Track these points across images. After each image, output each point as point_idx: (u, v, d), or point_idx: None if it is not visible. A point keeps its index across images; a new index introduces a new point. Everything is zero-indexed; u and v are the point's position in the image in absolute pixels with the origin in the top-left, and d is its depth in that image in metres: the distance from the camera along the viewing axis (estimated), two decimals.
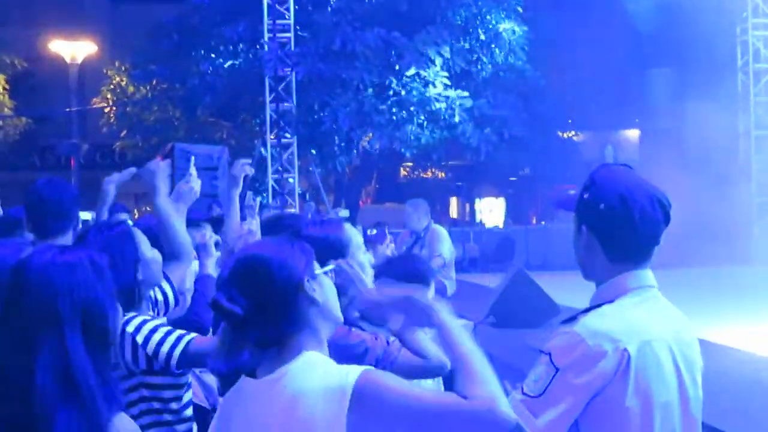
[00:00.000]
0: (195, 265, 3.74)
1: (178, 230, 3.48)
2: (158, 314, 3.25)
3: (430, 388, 3.22)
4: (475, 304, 7.67)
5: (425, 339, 2.62)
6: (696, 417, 2.23)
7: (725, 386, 4.31)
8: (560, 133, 20.19)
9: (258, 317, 1.90)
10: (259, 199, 3.54)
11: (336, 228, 2.95)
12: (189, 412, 2.96)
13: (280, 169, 15.40)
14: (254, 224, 3.29)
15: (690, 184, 14.80)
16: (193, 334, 2.85)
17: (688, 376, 2.21)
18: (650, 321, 2.18)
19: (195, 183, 3.99)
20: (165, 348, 2.75)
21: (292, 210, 14.90)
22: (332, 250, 2.84)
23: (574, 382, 2.07)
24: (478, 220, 28.15)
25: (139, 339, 2.75)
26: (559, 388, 2.08)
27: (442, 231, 8.52)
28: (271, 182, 15.15)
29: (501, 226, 20.42)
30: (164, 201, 3.52)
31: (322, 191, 15.52)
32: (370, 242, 6.87)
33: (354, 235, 2.96)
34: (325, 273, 2.06)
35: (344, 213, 11.46)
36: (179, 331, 2.83)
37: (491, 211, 23.71)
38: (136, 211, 27.75)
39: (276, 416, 1.86)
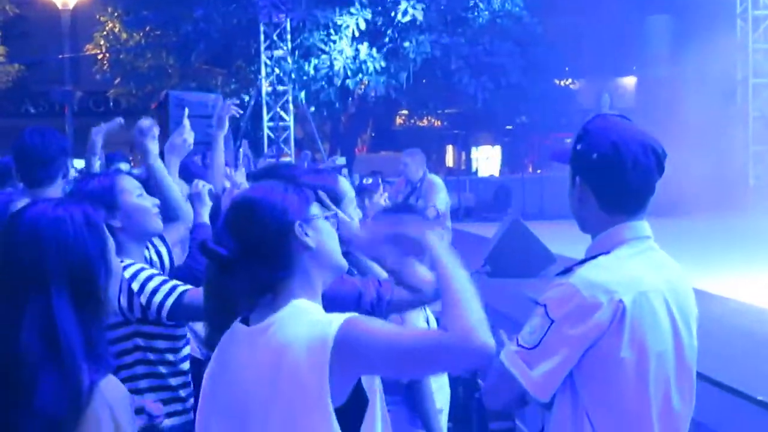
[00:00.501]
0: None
1: (172, 190, 3.51)
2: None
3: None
4: (471, 254, 7.67)
5: (421, 269, 2.63)
6: (690, 365, 2.24)
7: (719, 336, 4.34)
8: (557, 81, 20.06)
9: (246, 261, 1.90)
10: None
11: (331, 178, 2.94)
12: (186, 365, 2.97)
13: (275, 117, 15.30)
14: (240, 175, 3.28)
15: (686, 132, 14.75)
16: (188, 286, 2.83)
17: (683, 326, 2.21)
18: (645, 272, 2.18)
19: (188, 135, 3.97)
20: (158, 297, 2.76)
21: (288, 159, 14.85)
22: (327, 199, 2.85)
23: (569, 334, 2.08)
24: (474, 169, 28.13)
25: (135, 287, 2.76)
26: (555, 340, 2.08)
27: (438, 181, 8.51)
28: (266, 130, 15.06)
29: (497, 175, 20.38)
30: (156, 162, 3.52)
31: (317, 139, 15.46)
32: (365, 191, 6.84)
33: (348, 189, 2.95)
34: (326, 218, 2.04)
35: (341, 161, 11.41)
36: (174, 282, 2.83)
37: (487, 159, 23.66)
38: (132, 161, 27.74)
39: (264, 366, 1.86)
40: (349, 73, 15.08)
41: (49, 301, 1.78)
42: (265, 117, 15.14)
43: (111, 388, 1.82)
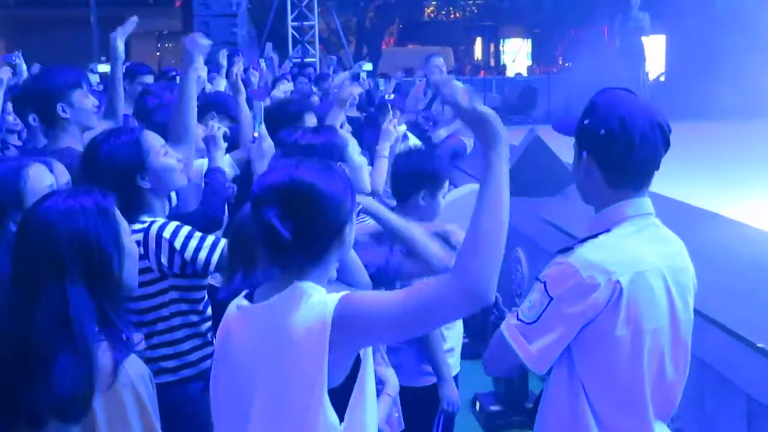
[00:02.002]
0: (203, 162, 3.78)
1: (190, 113, 3.53)
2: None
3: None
4: None
5: (434, 245, 2.70)
6: (686, 339, 2.32)
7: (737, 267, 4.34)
8: None
9: (295, 246, 1.90)
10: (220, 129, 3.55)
11: (331, 134, 2.99)
12: (209, 311, 3.07)
13: (299, 16, 15.07)
14: (263, 129, 3.29)
15: (716, 27, 14.35)
16: (224, 240, 2.90)
17: (679, 301, 2.27)
18: (645, 250, 2.23)
19: (201, 70, 3.98)
20: (203, 254, 2.83)
21: (313, 60, 14.71)
22: (330, 155, 2.89)
23: (566, 312, 2.14)
24: (502, 62, 27.69)
25: (177, 245, 2.82)
26: (552, 317, 2.15)
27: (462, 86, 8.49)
28: (290, 30, 14.88)
29: (525, 74, 20.04)
30: (194, 76, 3.54)
31: (343, 38, 15.26)
32: (386, 107, 6.80)
33: (349, 138, 3.01)
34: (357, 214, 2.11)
35: (367, 66, 11.26)
36: (212, 237, 2.91)
37: (515, 59, 23.14)
38: (158, 54, 27.61)
39: (265, 347, 1.93)
40: None
41: (62, 287, 1.88)
42: (290, 16, 14.93)
43: (133, 367, 1.95)
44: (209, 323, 3.01)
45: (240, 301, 2.04)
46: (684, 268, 2.32)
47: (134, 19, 4.30)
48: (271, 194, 1.92)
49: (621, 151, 2.21)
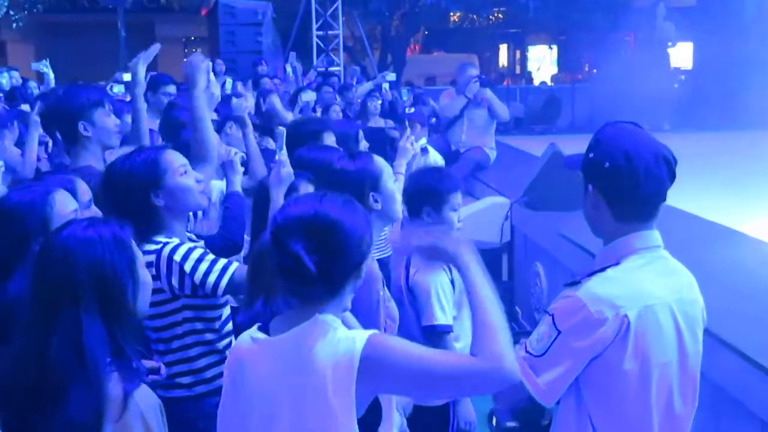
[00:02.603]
0: (221, 184, 3.82)
1: (208, 128, 3.52)
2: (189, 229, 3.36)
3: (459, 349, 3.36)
4: (515, 176, 7.69)
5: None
6: (694, 372, 2.33)
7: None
8: None
9: (319, 278, 1.94)
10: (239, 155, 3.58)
11: (367, 161, 3.01)
12: (229, 326, 3.08)
13: (324, 25, 15.15)
14: (283, 155, 3.32)
15: (747, 44, 14.24)
16: (236, 264, 2.95)
17: (688, 334, 2.28)
18: (653, 283, 2.24)
19: (215, 88, 4.01)
20: (212, 278, 2.86)
21: (337, 69, 14.76)
22: (362, 182, 2.92)
23: (574, 345, 2.16)
24: (528, 69, 27.60)
25: (187, 268, 2.85)
26: (560, 350, 2.17)
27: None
28: (315, 39, 14.95)
29: (549, 82, 19.94)
30: (201, 97, 3.52)
31: (367, 47, 15.30)
32: (410, 120, 6.84)
33: (384, 165, 3.02)
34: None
35: (391, 77, 11.28)
36: (223, 261, 2.93)
37: (540, 66, 23.08)
38: (185, 60, 27.73)
39: (288, 382, 1.94)
40: None
41: (78, 315, 1.93)
42: (314, 25, 15.00)
43: (143, 397, 1.99)
44: (228, 340, 3.04)
45: (255, 333, 2.05)
46: (693, 301, 2.33)
47: (156, 45, 4.34)
48: (296, 226, 1.96)
49: (626, 185, 2.23)
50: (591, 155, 2.30)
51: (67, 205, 2.67)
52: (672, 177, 2.27)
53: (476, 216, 7.31)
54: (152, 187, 2.90)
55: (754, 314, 3.91)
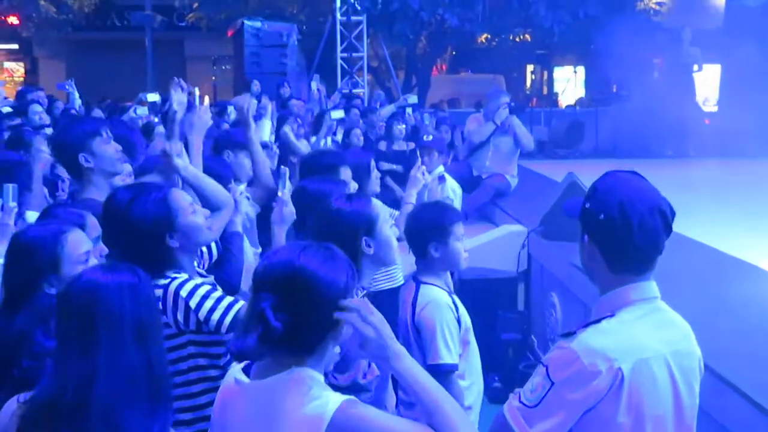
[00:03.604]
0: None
1: (209, 186, 3.56)
2: (202, 266, 3.39)
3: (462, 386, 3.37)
4: (535, 204, 7.68)
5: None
6: (690, 424, 2.32)
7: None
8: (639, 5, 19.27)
9: (286, 338, 1.93)
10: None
11: (364, 204, 3.02)
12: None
13: (348, 47, 15.25)
14: (286, 194, 3.35)
15: None
16: (242, 302, 2.96)
17: (684, 387, 2.28)
18: (648, 336, 2.24)
19: (205, 114, 4.06)
20: (216, 315, 2.88)
21: (362, 91, 14.83)
22: (356, 225, 2.94)
23: (567, 397, 2.16)
24: (555, 90, 27.54)
25: (192, 304, 2.86)
26: (554, 402, 2.17)
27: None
28: (339, 61, 15.06)
29: (573, 102, 19.90)
30: (187, 172, 3.59)
31: (391, 69, 15.37)
32: (424, 148, 6.85)
33: (381, 209, 3.04)
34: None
35: (413, 99, 11.33)
36: (229, 298, 2.95)
37: (566, 88, 23.09)
38: (214, 77, 28.08)
39: (259, 427, 1.96)
40: (422, 4, 14.89)
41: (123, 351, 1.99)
42: (339, 47, 15.11)
43: None
44: None
45: (238, 374, 2.07)
46: (690, 353, 2.33)
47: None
48: (270, 280, 1.96)
49: (620, 237, 2.22)
50: (587, 205, 2.30)
51: (80, 246, 2.72)
52: (668, 230, 2.26)
53: (493, 244, 7.31)
54: (167, 230, 2.93)
55: (764, 354, 3.88)
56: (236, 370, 2.09)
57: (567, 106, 18.72)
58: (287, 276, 1.95)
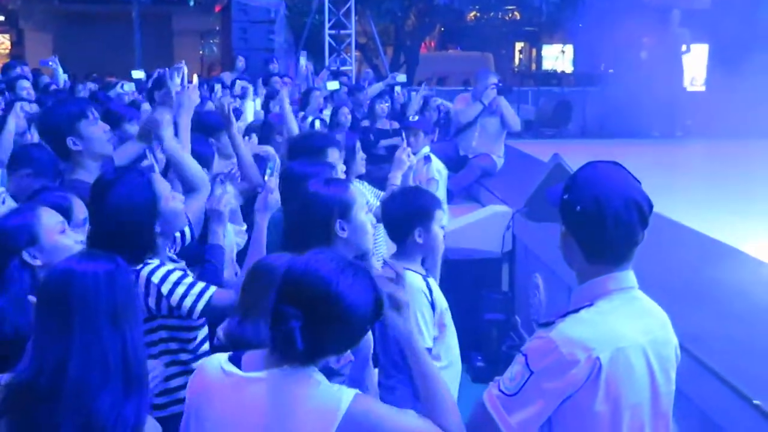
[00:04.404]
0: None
1: (189, 165, 3.60)
2: (174, 250, 3.38)
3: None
4: (521, 184, 7.71)
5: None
6: (666, 412, 2.35)
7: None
8: None
9: (306, 351, 1.96)
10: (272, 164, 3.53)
11: (341, 188, 3.04)
12: (206, 347, 3.13)
13: (336, 24, 15.17)
14: (272, 181, 3.34)
15: (761, 39, 14.11)
16: (214, 288, 3.00)
17: (661, 375, 2.31)
18: (625, 325, 2.26)
19: (194, 93, 4.06)
20: (188, 301, 2.93)
21: (349, 69, 14.78)
22: (331, 209, 2.97)
23: (546, 386, 2.19)
24: (544, 68, 27.47)
25: (164, 290, 2.91)
26: (532, 391, 2.20)
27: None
28: (327, 38, 14.98)
29: (562, 77, 19.86)
30: (170, 144, 3.64)
31: (379, 47, 15.30)
32: (410, 129, 6.84)
33: (358, 195, 3.05)
34: None
35: (401, 78, 11.32)
36: (201, 284, 2.98)
37: (554, 65, 23.03)
38: (201, 51, 27.87)
39: (262, 425, 1.97)
40: None
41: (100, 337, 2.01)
42: (327, 24, 15.03)
43: (150, 428, 2.08)
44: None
45: (226, 364, 2.07)
46: (666, 341, 2.36)
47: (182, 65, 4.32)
48: (302, 297, 1.96)
49: (595, 230, 2.25)
50: (566, 196, 2.32)
51: (53, 217, 2.79)
52: (644, 223, 2.28)
53: (478, 225, 7.35)
54: (153, 216, 2.95)
55: (742, 338, 3.93)
56: (222, 359, 2.08)
57: (554, 85, 18.62)
58: (322, 299, 1.96)
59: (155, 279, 2.91)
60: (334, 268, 1.99)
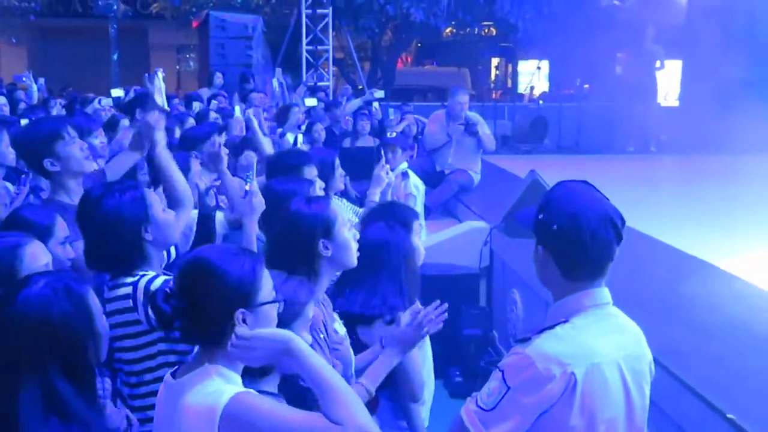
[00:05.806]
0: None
1: (177, 178, 3.60)
2: (161, 266, 3.40)
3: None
4: (498, 199, 7.75)
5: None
6: (641, 426, 2.40)
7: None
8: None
9: (184, 324, 2.09)
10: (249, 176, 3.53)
11: (323, 206, 3.05)
12: None
13: (314, 40, 15.23)
14: (254, 185, 3.37)
15: (734, 56, 14.29)
16: None
17: (635, 390, 2.36)
18: (601, 341, 2.31)
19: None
20: None
21: (326, 84, 14.82)
22: (314, 228, 2.98)
23: (522, 401, 2.23)
24: (519, 84, 27.65)
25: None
26: (509, 406, 2.23)
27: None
28: (304, 54, 15.02)
29: (537, 95, 20.02)
30: (162, 152, 3.64)
31: (356, 63, 15.36)
32: (388, 145, 6.90)
33: (340, 212, 3.07)
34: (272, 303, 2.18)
35: (379, 94, 11.34)
36: None
37: (531, 80, 23.24)
38: (177, 66, 27.86)
39: (169, 426, 2.07)
40: None
41: (42, 378, 1.93)
42: (304, 40, 15.08)
43: None
44: None
45: (168, 375, 2.19)
46: (640, 356, 2.40)
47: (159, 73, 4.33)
48: (177, 271, 2.13)
49: (573, 247, 2.30)
50: (541, 216, 2.37)
51: (38, 259, 2.67)
52: (619, 239, 2.33)
53: (456, 240, 7.39)
54: (143, 223, 2.97)
55: (715, 352, 3.98)
56: (167, 375, 2.20)
57: (531, 100, 18.77)
58: (187, 265, 2.12)
59: (154, 288, 2.88)
60: (212, 246, 2.28)
